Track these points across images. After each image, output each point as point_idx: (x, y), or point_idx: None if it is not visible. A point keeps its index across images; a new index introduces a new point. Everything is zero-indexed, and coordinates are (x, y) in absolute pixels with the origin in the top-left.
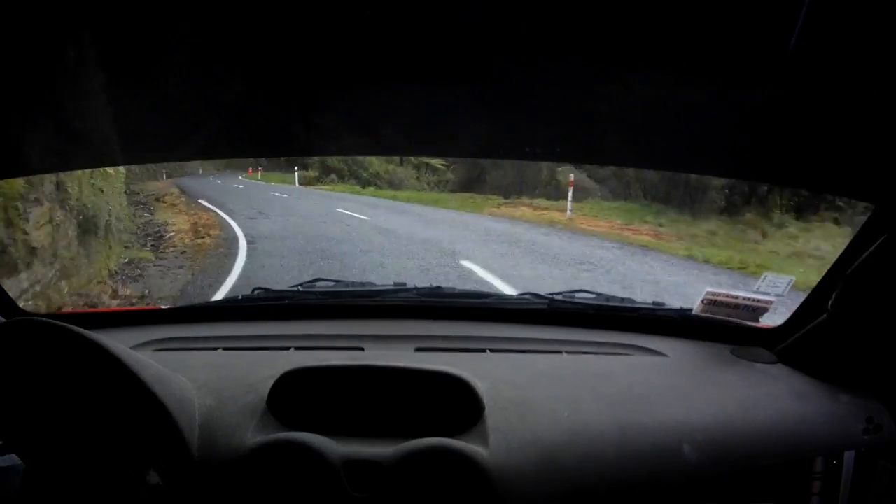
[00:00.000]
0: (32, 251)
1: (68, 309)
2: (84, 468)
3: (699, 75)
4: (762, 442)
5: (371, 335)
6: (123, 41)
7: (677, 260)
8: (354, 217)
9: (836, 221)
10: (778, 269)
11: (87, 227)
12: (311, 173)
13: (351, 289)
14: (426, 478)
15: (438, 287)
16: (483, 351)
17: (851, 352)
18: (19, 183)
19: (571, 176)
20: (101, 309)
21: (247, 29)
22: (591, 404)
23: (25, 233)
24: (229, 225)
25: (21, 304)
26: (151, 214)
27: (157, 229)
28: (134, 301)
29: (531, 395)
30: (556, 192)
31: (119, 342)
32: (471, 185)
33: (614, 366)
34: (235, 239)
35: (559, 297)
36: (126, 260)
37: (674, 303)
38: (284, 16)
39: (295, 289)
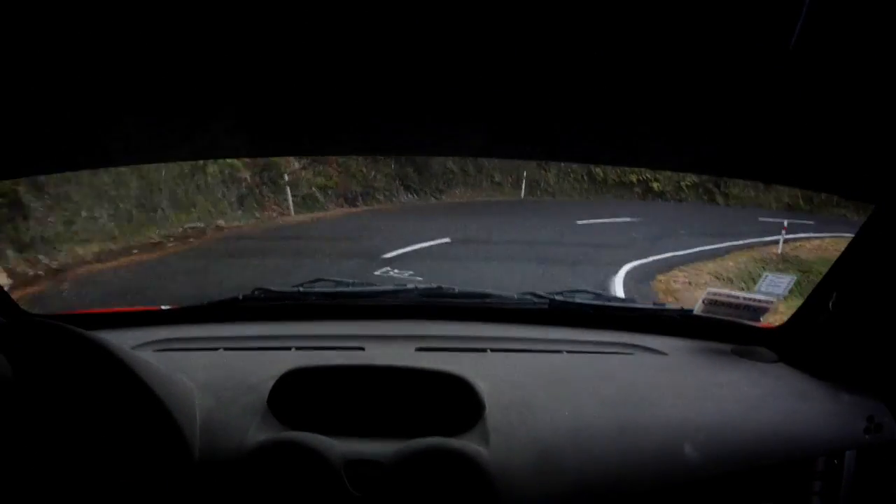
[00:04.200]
0: None
1: (69, 309)
2: (84, 468)
3: (698, 75)
4: (763, 441)
5: (371, 335)
6: (128, 46)
7: None
8: None
9: None
10: None
11: None
12: None
13: (351, 289)
14: (427, 477)
15: (439, 287)
16: (483, 351)
17: (852, 351)
18: None
19: None
20: (101, 309)
21: (253, 38)
22: (592, 404)
23: None
24: None
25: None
26: None
27: None
28: None
29: (532, 395)
30: None
31: (120, 343)
32: None
33: (615, 365)
34: None
35: (559, 298)
36: None
37: None
38: (287, 26)
39: (295, 289)
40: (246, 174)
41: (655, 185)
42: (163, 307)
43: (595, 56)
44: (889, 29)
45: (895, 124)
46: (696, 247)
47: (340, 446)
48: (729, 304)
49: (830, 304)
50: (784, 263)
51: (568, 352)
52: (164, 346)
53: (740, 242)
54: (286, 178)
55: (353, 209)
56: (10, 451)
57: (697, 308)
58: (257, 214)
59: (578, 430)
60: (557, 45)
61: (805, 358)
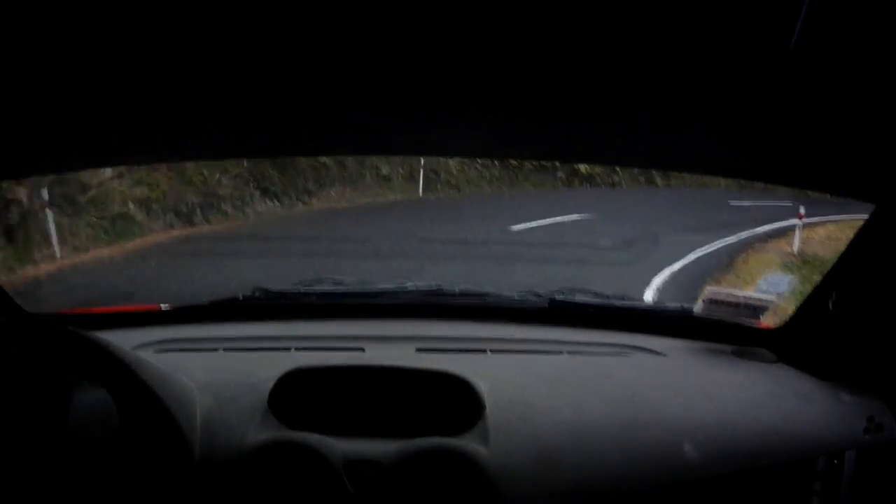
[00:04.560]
0: None
1: (69, 309)
2: (85, 468)
3: (698, 75)
4: (763, 441)
5: (371, 335)
6: (128, 46)
7: None
8: None
9: None
10: None
11: None
12: None
13: (351, 289)
14: (427, 477)
15: (439, 287)
16: (484, 351)
17: (852, 351)
18: None
19: None
20: (101, 309)
21: (253, 38)
22: (592, 404)
23: None
24: None
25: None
26: None
27: None
28: None
29: (532, 395)
30: None
31: (120, 343)
32: None
33: (615, 366)
34: None
35: (559, 297)
36: None
37: None
38: (287, 25)
39: (295, 289)
40: (22, 193)
41: (582, 167)
42: (162, 307)
43: (595, 56)
44: (889, 29)
45: (895, 124)
46: (688, 252)
47: (340, 446)
48: (729, 304)
49: (830, 304)
50: (806, 267)
51: (568, 352)
52: (165, 346)
53: (734, 239)
54: (45, 195)
55: (188, 229)
56: (12, 451)
57: (697, 308)
58: (36, 254)
59: (579, 429)
60: (558, 44)
61: (805, 358)
